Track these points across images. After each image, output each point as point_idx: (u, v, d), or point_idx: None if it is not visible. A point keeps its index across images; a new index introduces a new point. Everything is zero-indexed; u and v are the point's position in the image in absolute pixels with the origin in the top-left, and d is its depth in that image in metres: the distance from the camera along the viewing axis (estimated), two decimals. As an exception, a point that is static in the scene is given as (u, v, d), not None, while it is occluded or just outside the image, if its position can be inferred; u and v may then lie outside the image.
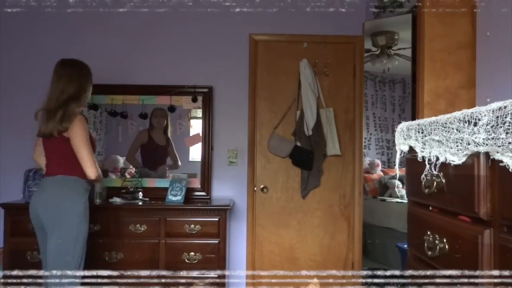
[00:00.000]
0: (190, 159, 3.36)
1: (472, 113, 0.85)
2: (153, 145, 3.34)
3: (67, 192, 2.13)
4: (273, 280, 3.10)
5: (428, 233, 1.09)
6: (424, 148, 1.09)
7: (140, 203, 2.97)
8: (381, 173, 5.37)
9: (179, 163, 3.33)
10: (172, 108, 3.29)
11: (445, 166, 0.99)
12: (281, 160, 3.23)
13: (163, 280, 2.69)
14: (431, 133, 1.04)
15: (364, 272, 3.28)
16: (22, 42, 3.31)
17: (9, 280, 2.37)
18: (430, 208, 1.13)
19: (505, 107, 0.76)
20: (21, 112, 3.21)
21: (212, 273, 2.72)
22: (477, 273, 0.87)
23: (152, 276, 2.69)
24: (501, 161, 0.79)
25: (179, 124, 3.36)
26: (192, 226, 2.78)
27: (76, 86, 2.23)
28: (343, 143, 3.24)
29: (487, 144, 0.81)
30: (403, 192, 4.26)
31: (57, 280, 2.06)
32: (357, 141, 3.29)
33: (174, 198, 3.00)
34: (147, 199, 3.07)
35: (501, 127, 0.76)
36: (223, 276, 2.76)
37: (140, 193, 3.09)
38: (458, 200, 0.96)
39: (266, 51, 3.27)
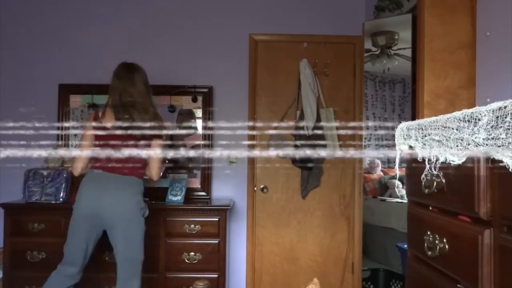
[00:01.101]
0: (190, 159, 3.36)
1: (472, 113, 0.85)
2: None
3: (138, 196, 2.28)
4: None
5: (428, 233, 1.09)
6: (424, 148, 1.09)
7: (140, 203, 2.97)
8: (381, 173, 5.37)
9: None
10: (172, 108, 3.29)
11: (445, 166, 0.99)
12: (281, 160, 3.22)
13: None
14: (431, 133, 1.04)
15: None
16: (23, 43, 3.31)
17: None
18: (430, 208, 1.13)
19: (505, 107, 0.76)
20: (21, 111, 3.21)
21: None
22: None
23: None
24: (501, 161, 0.79)
25: (179, 124, 3.37)
26: (192, 226, 2.78)
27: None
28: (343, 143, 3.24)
29: (487, 144, 0.81)
30: (403, 192, 4.26)
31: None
32: (357, 141, 3.28)
33: (174, 198, 3.00)
34: (147, 199, 3.07)
35: (501, 127, 0.76)
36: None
37: (140, 193, 3.09)
38: (458, 200, 0.96)
39: (266, 51, 3.26)
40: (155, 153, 2.27)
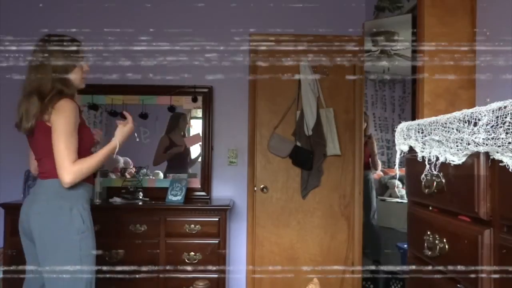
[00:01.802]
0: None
1: (472, 113, 0.85)
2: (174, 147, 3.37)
3: (61, 202, 1.71)
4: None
5: (428, 233, 1.09)
6: (424, 148, 1.09)
7: (140, 203, 2.97)
8: (381, 173, 5.36)
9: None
10: (172, 108, 3.29)
11: (445, 166, 0.99)
12: (281, 160, 3.22)
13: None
14: (431, 133, 1.04)
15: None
16: (21, 41, 3.31)
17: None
18: (430, 208, 1.13)
19: (505, 107, 0.76)
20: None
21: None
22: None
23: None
24: (501, 161, 0.79)
25: (179, 124, 3.38)
26: (192, 226, 2.78)
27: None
28: (343, 143, 3.24)
29: (487, 144, 0.81)
30: (403, 192, 4.26)
31: None
32: (357, 141, 3.28)
33: (174, 198, 3.00)
34: (147, 199, 3.07)
35: (501, 127, 0.76)
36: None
37: (140, 193, 3.09)
38: (458, 200, 0.96)
39: (266, 51, 3.26)
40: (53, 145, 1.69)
